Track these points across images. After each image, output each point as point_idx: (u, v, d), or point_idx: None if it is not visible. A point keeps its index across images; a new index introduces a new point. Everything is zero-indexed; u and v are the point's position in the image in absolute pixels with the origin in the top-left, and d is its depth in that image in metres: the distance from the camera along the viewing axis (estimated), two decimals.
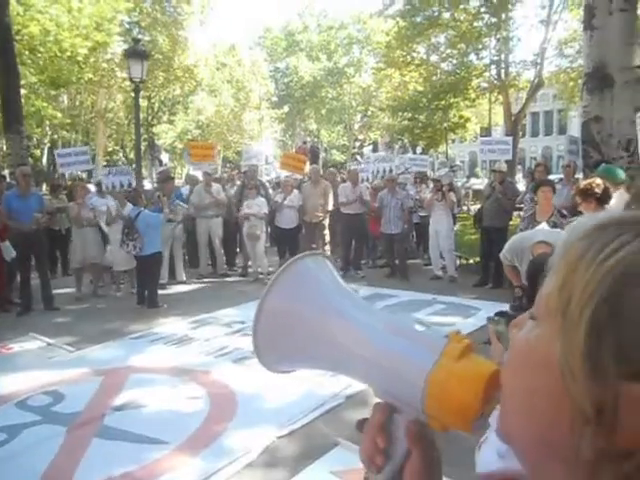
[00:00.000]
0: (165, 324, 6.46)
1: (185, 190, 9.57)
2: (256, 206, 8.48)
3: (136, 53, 9.98)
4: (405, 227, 8.91)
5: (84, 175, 10.66)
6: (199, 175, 9.77)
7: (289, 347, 0.63)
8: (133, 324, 6.48)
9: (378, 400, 0.59)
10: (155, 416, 4.02)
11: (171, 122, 29.73)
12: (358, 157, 36.25)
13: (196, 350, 5.49)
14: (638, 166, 6.64)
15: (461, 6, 18.95)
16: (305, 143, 22.42)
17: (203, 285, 8.63)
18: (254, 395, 4.32)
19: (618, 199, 4.49)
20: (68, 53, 16.43)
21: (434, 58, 22.27)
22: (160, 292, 7.53)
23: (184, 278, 8.59)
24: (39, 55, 16.63)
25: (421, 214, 9.56)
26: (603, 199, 4.20)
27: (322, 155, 29.14)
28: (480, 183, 20.41)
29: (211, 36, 57.11)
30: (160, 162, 21.08)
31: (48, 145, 26.05)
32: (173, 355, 5.36)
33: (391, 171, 9.93)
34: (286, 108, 32.35)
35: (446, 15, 19.52)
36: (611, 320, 0.38)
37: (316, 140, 35.29)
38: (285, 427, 3.77)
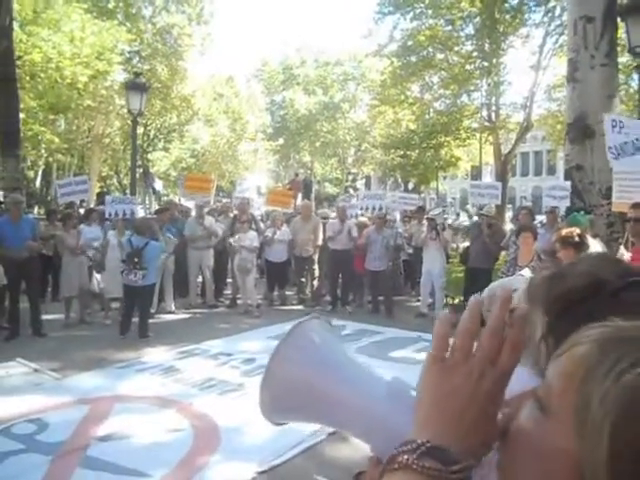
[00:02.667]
0: (152, 354, 6.51)
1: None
2: (247, 240, 8.62)
3: (136, 86, 10.24)
4: (390, 264, 9.04)
5: (78, 201, 10.75)
6: (191, 205, 9.92)
7: (293, 406, 0.69)
8: (120, 352, 6.52)
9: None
10: (138, 448, 4.06)
11: (166, 150, 30.02)
12: (351, 190, 36.74)
13: (182, 381, 5.54)
14: (618, 213, 6.86)
15: (454, 49, 19.58)
16: (297, 176, 22.74)
17: (191, 315, 8.70)
18: (237, 429, 4.37)
19: (593, 246, 4.68)
20: (68, 80, 16.71)
21: (427, 97, 22.85)
22: (148, 321, 7.59)
23: (173, 308, 8.66)
24: (39, 81, 16.91)
25: (409, 251, 9.71)
26: (581, 247, 4.39)
27: (315, 188, 29.48)
28: (469, 221, 20.69)
29: (209, 67, 58.13)
30: (154, 190, 21.30)
31: (42, 167, 26.18)
32: (159, 385, 5.41)
33: (381, 209, 10.11)
34: (281, 140, 32.79)
35: (440, 56, 20.12)
36: (631, 434, 0.41)
37: (310, 172, 35.69)
38: (266, 463, 3.83)
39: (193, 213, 9.95)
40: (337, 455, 4.04)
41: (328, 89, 33.87)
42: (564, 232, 4.60)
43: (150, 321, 7.70)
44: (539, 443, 0.49)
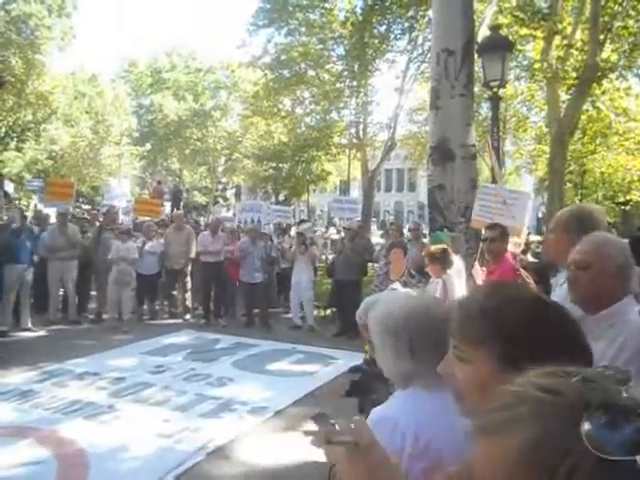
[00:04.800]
0: (6, 376, 5.88)
1: (35, 229, 8.91)
2: (126, 250, 8.18)
3: None
4: (266, 276, 9.09)
5: None
6: (50, 212, 9.21)
7: None
8: None
9: None
10: None
11: (19, 150, 27.48)
12: (221, 200, 36.33)
13: (41, 406, 5.08)
14: (473, 231, 7.54)
15: (326, 67, 20.29)
16: (160, 183, 21.99)
17: (52, 332, 7.98)
18: (108, 454, 4.12)
19: (456, 262, 5.12)
20: None
21: (299, 111, 23.39)
22: (1, 340, 6.88)
23: (30, 325, 7.90)
24: None
25: (283, 265, 9.82)
26: (446, 263, 4.78)
27: (184, 196, 28.70)
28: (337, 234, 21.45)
29: (71, 63, 54.37)
30: (5, 194, 19.26)
31: None
32: (14, 413, 4.91)
33: (259, 221, 10.15)
34: (148, 145, 31.49)
35: (311, 73, 20.72)
36: None
37: (178, 180, 34.70)
38: None
39: (52, 220, 9.23)
40: (218, 474, 3.98)
41: (199, 96, 33.28)
42: (432, 249, 4.99)
43: (3, 340, 6.98)
44: None
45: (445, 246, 4.92)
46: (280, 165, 22.99)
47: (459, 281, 4.78)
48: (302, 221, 11.49)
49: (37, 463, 3.99)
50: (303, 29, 19.83)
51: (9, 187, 19.37)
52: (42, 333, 7.92)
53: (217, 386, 5.88)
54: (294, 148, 22.05)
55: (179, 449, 4.26)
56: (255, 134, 27.80)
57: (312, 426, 0.94)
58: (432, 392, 1.32)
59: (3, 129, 25.42)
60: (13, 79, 21.79)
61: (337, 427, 0.92)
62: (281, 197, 27.24)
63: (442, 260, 4.73)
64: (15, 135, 27.20)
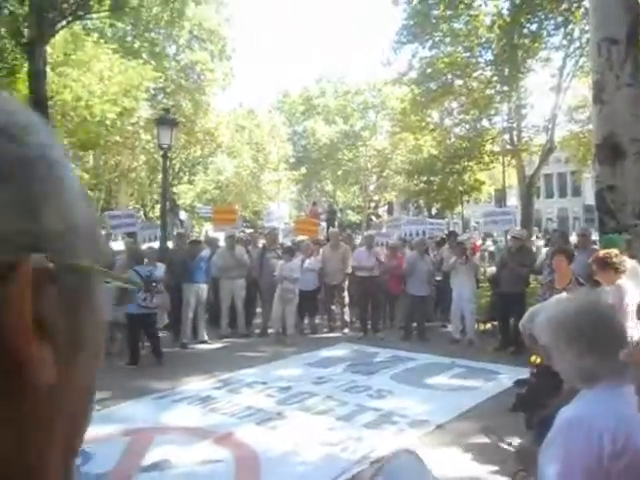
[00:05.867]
0: (188, 383, 6.53)
1: (206, 252, 9.79)
2: (289, 269, 8.68)
3: (166, 121, 10.53)
4: (433, 289, 9.06)
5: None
6: (219, 236, 10.07)
7: None
8: (155, 382, 6.54)
9: None
10: (182, 479, 4.08)
11: (191, 182, 30.56)
12: (373, 218, 36.79)
13: (219, 410, 5.55)
14: None
15: (473, 75, 19.73)
16: (315, 204, 22.89)
17: (224, 344, 8.73)
18: (278, 459, 4.37)
19: (631, 267, 4.63)
20: (97, 117, 17.26)
21: (447, 123, 22.98)
22: (182, 351, 7.66)
23: (206, 337, 8.72)
24: (69, 119, 17.51)
25: (437, 278, 9.66)
26: (619, 268, 4.35)
27: (338, 216, 29.60)
28: (495, 245, 20.50)
29: (231, 100, 59.52)
30: (181, 222, 21.63)
31: None
32: (197, 415, 5.43)
33: (424, 233, 10.12)
34: (303, 169, 33.18)
35: (459, 82, 20.28)
36: None
37: (332, 201, 35.91)
38: None
39: (221, 243, 10.08)
40: None
41: (348, 118, 34.31)
42: (601, 254, 4.57)
43: (184, 351, 7.77)
44: None
45: (617, 250, 4.49)
46: (431, 178, 22.70)
47: (636, 288, 4.31)
48: (451, 233, 11.21)
49: (217, 462, 4.37)
50: (448, 39, 19.53)
51: (183, 216, 21.63)
52: (216, 345, 8.67)
53: (377, 398, 5.94)
54: (445, 160, 21.66)
55: (344, 457, 4.37)
56: (404, 149, 27.87)
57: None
58: (619, 389, 1.29)
59: (177, 165, 28.46)
60: (184, 120, 24.41)
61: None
62: (433, 211, 26.87)
63: (614, 265, 4.32)
64: (187, 169, 30.30)
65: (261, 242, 10.50)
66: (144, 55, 22.51)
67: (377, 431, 4.98)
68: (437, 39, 19.63)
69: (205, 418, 5.34)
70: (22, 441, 0.32)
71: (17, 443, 0.32)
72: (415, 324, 9.00)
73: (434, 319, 10.13)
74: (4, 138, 0.32)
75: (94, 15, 14.94)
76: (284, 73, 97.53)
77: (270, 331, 9.20)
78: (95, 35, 18.54)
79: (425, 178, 23.00)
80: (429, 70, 20.11)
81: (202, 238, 12.34)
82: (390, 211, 38.62)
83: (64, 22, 13.31)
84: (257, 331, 9.51)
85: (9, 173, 0.31)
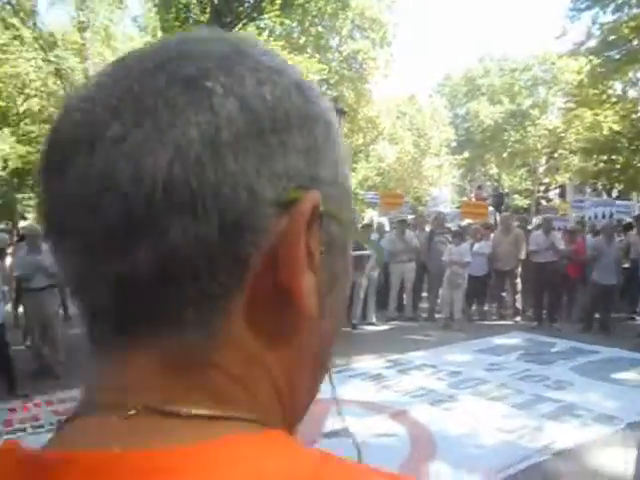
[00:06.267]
0: (360, 361, 6.76)
1: (374, 236, 10.00)
2: (458, 253, 8.57)
3: (335, 110, 10.89)
4: (622, 278, 8.30)
5: None
6: (384, 222, 10.22)
7: None
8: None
9: None
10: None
11: (353, 170, 31.27)
12: (543, 202, 34.40)
13: (391, 388, 5.69)
14: None
15: None
16: (480, 188, 22.01)
17: (391, 327, 8.88)
18: (453, 439, 4.37)
19: None
20: None
21: (633, 94, 20.61)
22: (352, 332, 7.98)
23: (374, 319, 8.95)
24: None
25: (625, 265, 8.79)
26: None
27: (504, 200, 28.21)
28: None
29: (392, 87, 59.54)
30: None
31: None
32: (371, 391, 5.61)
33: (611, 215, 9.29)
34: (466, 153, 32.10)
35: None
36: None
37: (497, 185, 34.30)
38: (491, 475, 3.77)
39: (386, 228, 10.20)
40: (563, 477, 3.83)
41: (515, 96, 32.35)
42: None
43: (354, 331, 8.08)
44: None
45: None
46: (613, 157, 20.57)
47: None
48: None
49: (392, 436, 4.50)
50: (634, 0, 17.43)
51: None
52: (383, 327, 8.85)
53: (555, 389, 5.64)
54: (630, 136, 19.46)
55: (521, 445, 4.24)
56: (581, 127, 25.55)
57: None
58: None
59: None
60: (347, 109, 25.03)
61: None
62: (614, 193, 24.35)
63: None
64: (350, 157, 31.05)
65: (427, 226, 10.43)
66: (309, 49, 23.44)
67: (557, 423, 4.74)
68: (621, 1, 17.64)
69: (378, 394, 5.51)
70: (291, 367, 0.38)
71: (286, 372, 0.38)
72: (598, 315, 8.31)
73: (620, 310, 9.25)
74: (299, 95, 0.38)
75: (266, 15, 15.94)
76: (444, 56, 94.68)
77: (437, 316, 9.15)
78: (265, 34, 19.74)
79: (606, 157, 20.89)
80: (611, 37, 18.15)
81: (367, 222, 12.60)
82: (562, 194, 35.75)
83: (240, 25, 14.42)
84: (424, 315, 9.51)
85: (302, 124, 0.37)
